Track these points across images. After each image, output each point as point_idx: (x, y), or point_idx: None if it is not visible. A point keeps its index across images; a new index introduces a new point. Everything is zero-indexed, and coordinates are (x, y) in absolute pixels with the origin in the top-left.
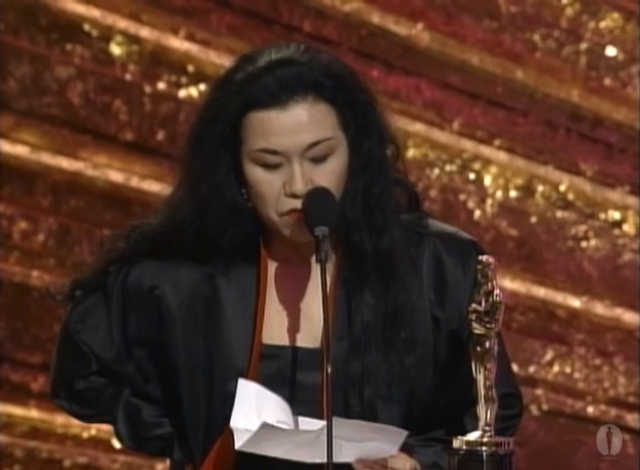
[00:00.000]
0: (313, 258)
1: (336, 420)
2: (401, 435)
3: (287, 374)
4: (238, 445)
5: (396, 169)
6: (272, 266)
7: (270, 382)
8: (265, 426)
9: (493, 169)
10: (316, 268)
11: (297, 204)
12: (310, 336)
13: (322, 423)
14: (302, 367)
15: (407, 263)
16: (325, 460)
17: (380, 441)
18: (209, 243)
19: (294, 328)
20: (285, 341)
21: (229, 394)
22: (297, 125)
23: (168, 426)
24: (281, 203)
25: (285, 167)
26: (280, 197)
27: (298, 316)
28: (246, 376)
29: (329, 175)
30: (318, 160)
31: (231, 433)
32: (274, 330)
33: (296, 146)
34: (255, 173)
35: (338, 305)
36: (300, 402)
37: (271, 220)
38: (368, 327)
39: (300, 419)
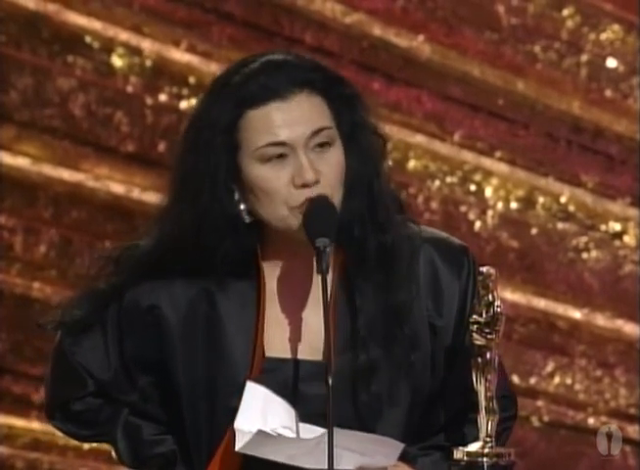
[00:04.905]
0: (311, 269)
1: (336, 430)
2: (399, 447)
3: (289, 387)
4: (238, 446)
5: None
6: (270, 279)
7: None
8: (263, 433)
9: (494, 181)
10: (315, 279)
11: (310, 193)
12: (312, 348)
13: (321, 430)
14: (305, 380)
15: (407, 265)
16: (326, 467)
17: (379, 452)
18: (206, 258)
19: (295, 340)
20: (287, 353)
21: (231, 408)
22: (298, 115)
23: (170, 443)
24: (292, 196)
25: (290, 160)
26: (290, 191)
27: (299, 328)
28: None
29: (334, 165)
30: (322, 147)
31: (233, 435)
32: (276, 343)
33: (300, 135)
34: (262, 172)
35: (339, 313)
36: (304, 415)
37: (280, 217)
38: (372, 322)
39: (302, 426)
